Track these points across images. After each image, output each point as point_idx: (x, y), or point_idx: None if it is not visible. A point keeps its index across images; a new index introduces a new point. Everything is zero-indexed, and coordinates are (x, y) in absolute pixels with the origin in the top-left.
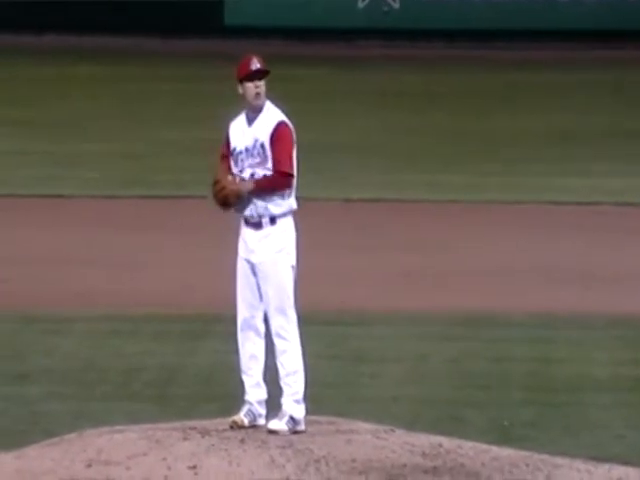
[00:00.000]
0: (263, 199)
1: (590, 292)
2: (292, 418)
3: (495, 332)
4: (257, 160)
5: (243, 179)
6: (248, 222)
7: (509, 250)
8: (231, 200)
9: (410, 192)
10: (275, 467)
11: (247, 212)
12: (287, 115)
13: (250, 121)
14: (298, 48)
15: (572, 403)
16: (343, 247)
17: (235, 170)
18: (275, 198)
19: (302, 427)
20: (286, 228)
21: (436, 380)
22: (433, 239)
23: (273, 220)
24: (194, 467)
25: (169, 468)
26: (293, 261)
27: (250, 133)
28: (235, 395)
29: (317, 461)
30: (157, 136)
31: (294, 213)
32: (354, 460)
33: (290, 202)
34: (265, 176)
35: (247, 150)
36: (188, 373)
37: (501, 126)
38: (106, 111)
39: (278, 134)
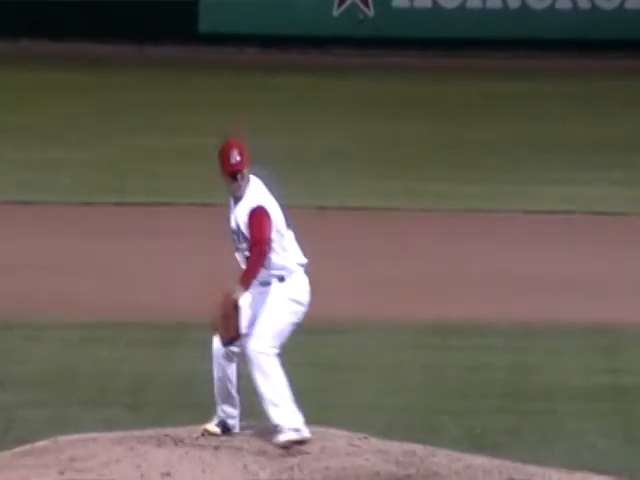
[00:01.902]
0: (262, 274)
1: (566, 301)
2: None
3: (471, 340)
4: (244, 245)
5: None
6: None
7: (487, 259)
8: (231, 318)
9: (386, 200)
10: (249, 474)
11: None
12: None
13: (235, 204)
14: (274, 56)
15: (547, 412)
16: (318, 255)
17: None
18: (271, 264)
19: (302, 434)
20: (296, 282)
21: (411, 388)
22: (411, 247)
23: (282, 279)
24: (168, 474)
25: (142, 475)
26: (296, 311)
27: (234, 217)
28: (209, 403)
29: (291, 469)
30: (133, 143)
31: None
32: (327, 468)
33: (291, 258)
34: (245, 269)
35: (234, 232)
36: (163, 380)
37: (479, 134)
38: (81, 118)
39: (252, 217)
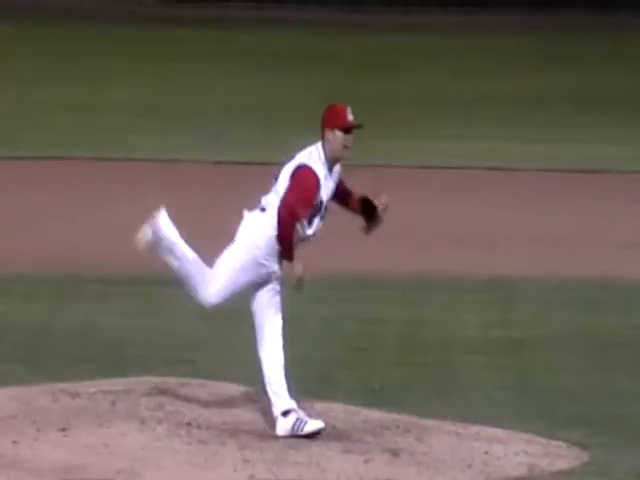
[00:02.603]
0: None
1: (462, 255)
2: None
3: (367, 294)
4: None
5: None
6: None
7: (404, 211)
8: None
9: (282, 153)
10: (146, 429)
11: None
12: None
13: (330, 172)
14: (174, 10)
15: (442, 365)
16: (215, 208)
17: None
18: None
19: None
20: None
21: (308, 342)
22: None
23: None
24: (64, 429)
25: (38, 430)
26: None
27: (329, 185)
28: (106, 357)
29: (188, 424)
30: (24, 95)
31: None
32: (225, 422)
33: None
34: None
35: (321, 204)
36: (58, 334)
37: (374, 89)
38: None
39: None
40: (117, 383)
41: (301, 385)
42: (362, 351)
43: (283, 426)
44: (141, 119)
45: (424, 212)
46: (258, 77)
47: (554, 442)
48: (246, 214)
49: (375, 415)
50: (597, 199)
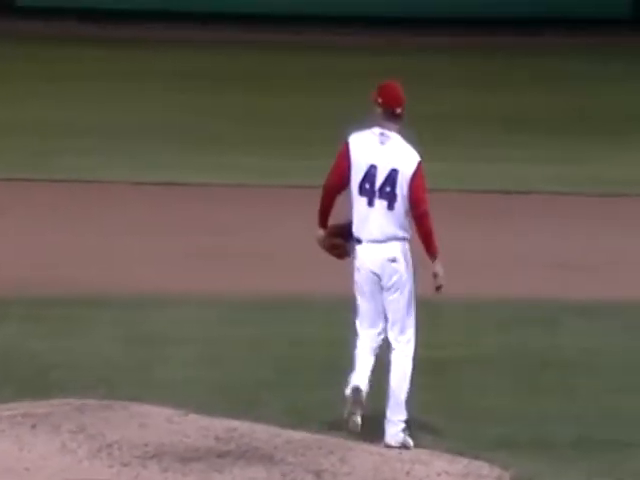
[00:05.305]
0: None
1: None
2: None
3: (290, 315)
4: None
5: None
6: None
7: (299, 232)
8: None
9: (201, 175)
10: (67, 452)
11: None
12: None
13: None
14: (91, 29)
15: None
16: (134, 230)
17: None
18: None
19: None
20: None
21: (231, 363)
22: (225, 222)
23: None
24: None
25: None
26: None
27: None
28: (27, 380)
29: (109, 446)
30: None
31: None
32: (147, 444)
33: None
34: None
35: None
36: None
37: (293, 108)
38: None
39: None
40: (38, 406)
41: (225, 407)
42: (286, 372)
43: None
44: (56, 139)
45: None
46: (173, 97)
47: (476, 462)
48: None
49: (298, 436)
50: (520, 219)
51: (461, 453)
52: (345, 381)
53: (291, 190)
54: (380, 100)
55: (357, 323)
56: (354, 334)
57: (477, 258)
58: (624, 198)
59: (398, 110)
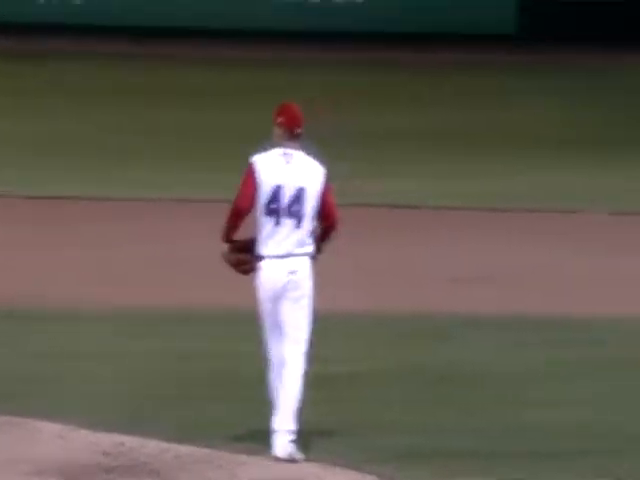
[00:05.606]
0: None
1: None
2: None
3: (182, 328)
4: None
5: None
6: None
7: (200, 243)
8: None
9: (96, 189)
10: None
11: None
12: None
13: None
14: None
15: (255, 400)
16: (25, 244)
17: None
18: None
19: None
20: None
21: (121, 378)
22: (126, 235)
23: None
24: None
25: None
26: None
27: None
28: None
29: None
30: None
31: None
32: (34, 461)
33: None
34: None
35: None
36: None
37: (196, 123)
38: None
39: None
40: None
41: (114, 422)
42: (175, 386)
43: None
44: None
45: None
46: (78, 112)
47: (369, 476)
48: None
49: (187, 450)
50: (416, 234)
51: (351, 466)
52: (273, 412)
53: (187, 204)
54: (280, 120)
55: (266, 338)
56: (261, 349)
57: (371, 271)
58: (513, 212)
59: (298, 130)
